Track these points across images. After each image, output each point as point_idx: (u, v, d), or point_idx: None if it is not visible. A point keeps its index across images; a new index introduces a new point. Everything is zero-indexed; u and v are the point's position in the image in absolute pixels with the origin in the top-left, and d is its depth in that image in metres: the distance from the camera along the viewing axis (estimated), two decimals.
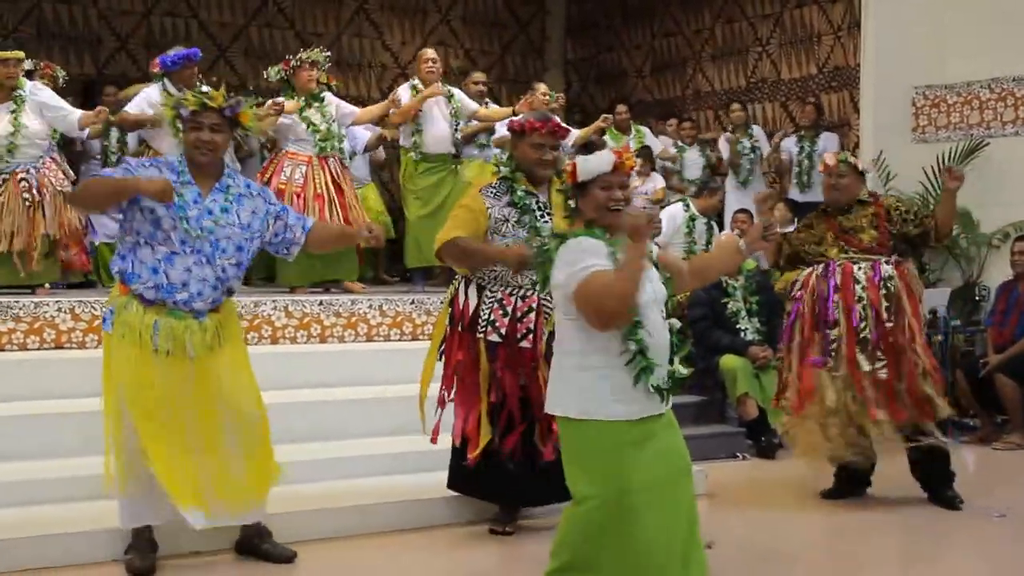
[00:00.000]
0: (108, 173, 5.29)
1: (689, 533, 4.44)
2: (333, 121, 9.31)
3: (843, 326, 6.54)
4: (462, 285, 5.97)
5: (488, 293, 5.87)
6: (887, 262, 6.63)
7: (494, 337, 5.81)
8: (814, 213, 7.09)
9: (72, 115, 8.49)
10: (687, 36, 14.39)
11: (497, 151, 10.14)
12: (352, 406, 7.14)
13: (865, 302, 6.53)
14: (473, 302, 5.89)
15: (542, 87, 10.58)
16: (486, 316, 5.84)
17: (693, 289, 7.51)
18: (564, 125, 5.88)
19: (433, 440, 6.12)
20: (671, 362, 4.43)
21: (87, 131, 9.42)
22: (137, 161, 5.41)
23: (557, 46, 15.83)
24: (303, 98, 9.24)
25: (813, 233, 6.87)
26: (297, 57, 9.37)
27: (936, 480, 6.86)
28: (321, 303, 8.24)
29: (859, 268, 6.60)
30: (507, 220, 5.79)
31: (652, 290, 4.36)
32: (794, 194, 11.64)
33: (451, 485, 6.19)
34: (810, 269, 6.78)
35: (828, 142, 11.68)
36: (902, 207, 6.87)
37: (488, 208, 5.81)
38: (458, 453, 6.03)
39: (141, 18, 13.07)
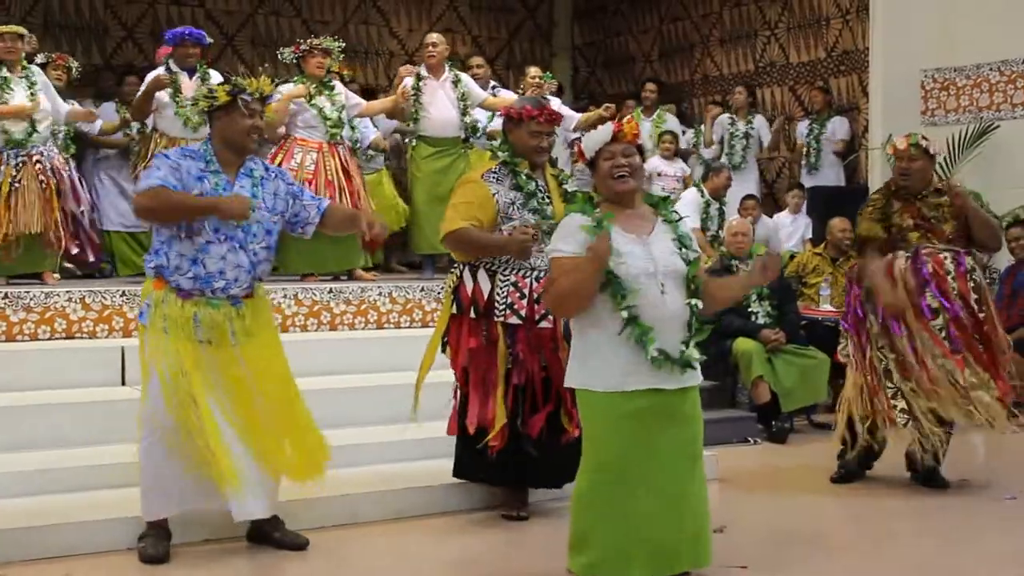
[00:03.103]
0: (158, 178, 5.15)
1: (692, 518, 4.47)
2: (343, 108, 9.31)
3: (942, 316, 6.47)
4: (466, 272, 5.94)
5: (501, 277, 5.86)
6: (967, 254, 6.58)
7: (514, 320, 5.81)
8: (882, 193, 6.82)
9: (63, 108, 8.59)
10: (695, 20, 14.36)
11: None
12: (362, 393, 7.14)
13: (957, 292, 6.48)
14: (485, 287, 5.87)
15: (532, 70, 10.58)
16: (503, 299, 5.83)
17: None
18: (559, 110, 5.87)
19: (450, 432, 6.11)
20: (687, 343, 4.45)
21: (98, 125, 9.48)
22: (177, 151, 5.39)
23: (564, 31, 15.81)
24: (313, 84, 9.23)
25: (892, 214, 6.65)
26: (307, 42, 9.36)
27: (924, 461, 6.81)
28: (331, 291, 8.24)
29: (946, 259, 6.53)
30: (513, 203, 5.81)
31: (652, 262, 4.41)
32: (804, 178, 11.65)
33: (457, 473, 6.18)
34: (891, 256, 6.58)
35: (838, 126, 11.68)
36: (974, 204, 6.74)
37: (494, 194, 5.81)
38: (466, 441, 5.99)
39: (147, 7, 13.09)
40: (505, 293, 5.84)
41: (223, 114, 5.33)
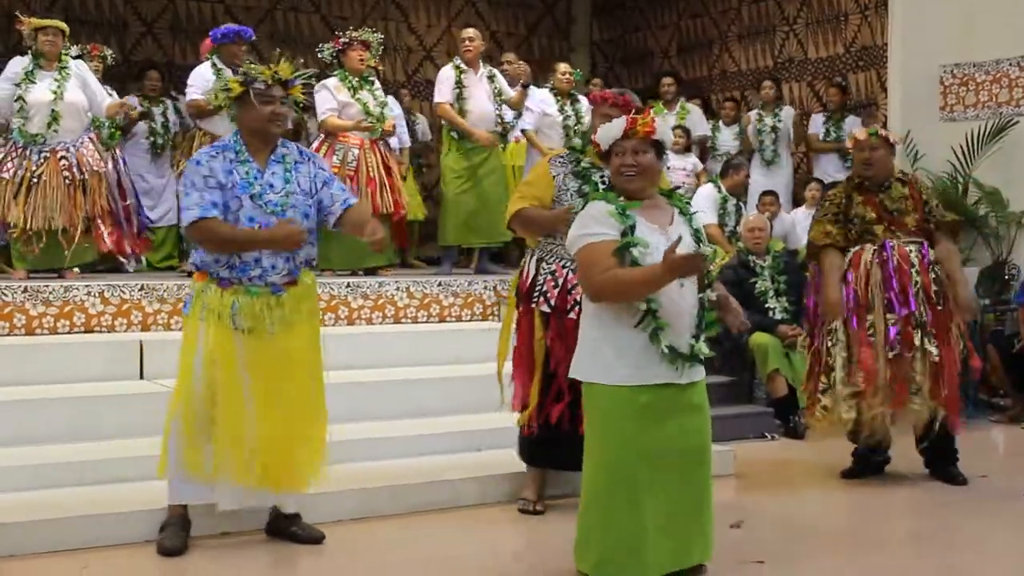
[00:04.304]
0: (197, 205, 5.14)
1: (693, 515, 4.46)
2: (384, 104, 9.32)
3: (903, 310, 6.52)
4: (529, 258, 6.08)
5: (544, 265, 5.95)
6: (931, 245, 6.62)
7: (545, 308, 5.91)
8: (843, 187, 6.93)
9: (104, 101, 8.61)
10: (713, 16, 14.32)
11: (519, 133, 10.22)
12: (379, 388, 7.17)
13: (920, 286, 6.50)
14: (531, 275, 6.00)
15: (562, 66, 10.60)
16: (540, 287, 5.93)
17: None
18: (640, 104, 5.84)
19: (513, 408, 6.17)
20: (696, 338, 4.45)
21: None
22: (205, 154, 5.34)
23: (583, 27, 15.79)
24: (355, 79, 9.27)
25: (854, 207, 6.72)
26: (347, 34, 9.38)
27: (940, 456, 6.85)
28: (348, 285, 8.27)
29: (911, 252, 6.57)
30: (568, 189, 5.86)
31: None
32: (824, 175, 11.60)
33: (521, 454, 6.24)
34: (857, 249, 6.66)
35: (851, 125, 11.62)
36: (929, 201, 6.76)
37: (554, 175, 5.90)
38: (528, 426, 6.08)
39: (167, 3, 13.10)
40: (543, 281, 5.92)
41: (242, 105, 5.36)
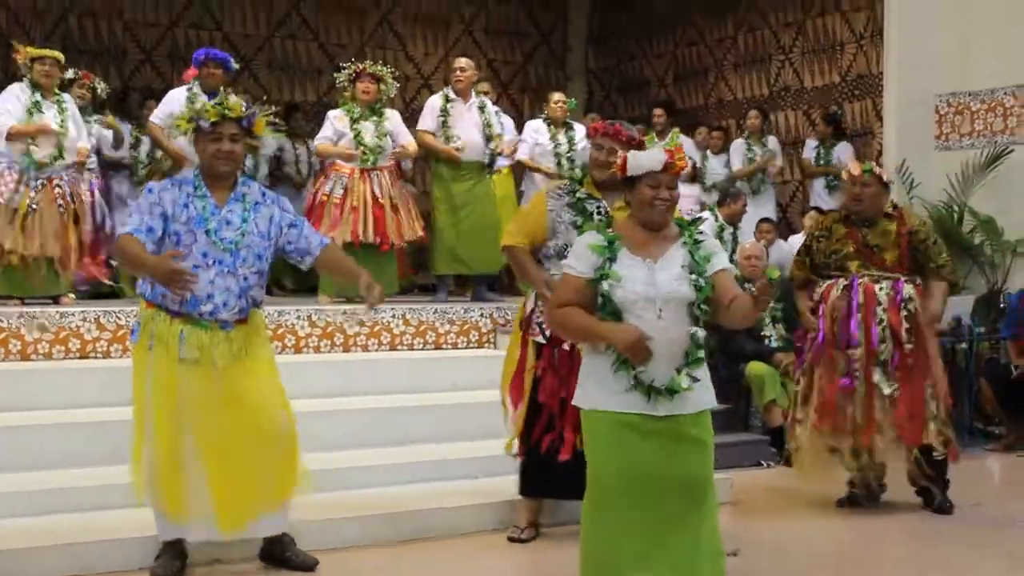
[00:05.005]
0: (131, 225, 5.17)
1: (690, 548, 4.40)
2: (385, 135, 9.36)
3: (863, 347, 6.55)
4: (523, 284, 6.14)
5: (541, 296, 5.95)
6: (908, 281, 6.62)
7: (540, 339, 5.94)
8: (832, 217, 7.03)
9: (83, 138, 8.62)
10: (709, 45, 14.37)
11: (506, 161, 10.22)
12: (375, 415, 7.16)
13: (885, 323, 6.53)
14: (529, 304, 6.05)
15: (556, 95, 10.64)
16: (537, 318, 5.96)
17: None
18: (633, 134, 5.84)
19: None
20: (679, 371, 4.39)
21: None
22: (159, 185, 5.36)
23: (579, 55, 15.84)
24: (358, 109, 9.33)
25: (832, 241, 6.81)
26: (355, 66, 9.45)
27: (931, 484, 6.85)
28: (344, 312, 8.27)
29: (880, 288, 6.60)
30: (563, 222, 5.86)
31: (653, 286, 4.35)
32: (820, 201, 11.63)
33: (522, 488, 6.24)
34: (830, 282, 6.75)
35: (842, 152, 11.65)
36: (923, 238, 6.74)
37: (550, 209, 5.91)
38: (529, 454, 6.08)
39: (166, 30, 13.15)
40: (540, 313, 5.93)
41: (195, 140, 5.36)
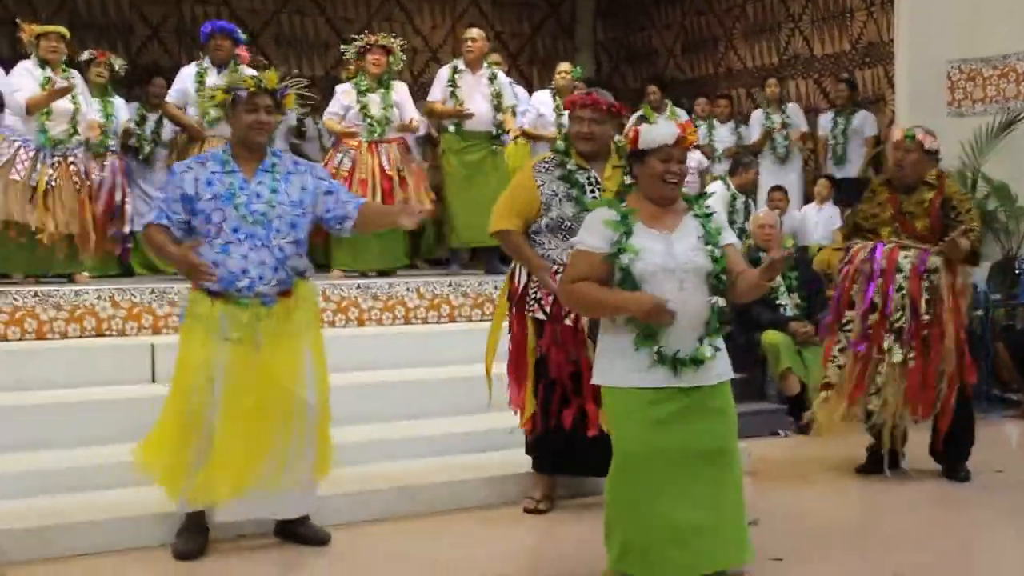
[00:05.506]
0: (156, 212, 5.33)
1: (716, 518, 4.41)
2: (391, 107, 9.33)
3: (878, 312, 6.53)
4: (517, 264, 6.02)
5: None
6: (937, 253, 6.56)
7: (540, 315, 5.88)
8: (880, 180, 7.01)
9: (86, 116, 8.59)
10: (718, 14, 14.31)
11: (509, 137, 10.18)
12: (390, 389, 7.15)
13: (904, 291, 6.49)
14: (522, 282, 5.97)
15: (563, 66, 10.60)
16: (533, 294, 5.90)
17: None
18: (611, 101, 5.83)
19: (513, 409, 6.18)
20: (701, 340, 4.40)
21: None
22: (181, 166, 5.38)
23: (587, 26, 15.78)
24: (369, 82, 9.31)
25: (874, 204, 6.80)
26: (366, 38, 9.43)
27: (949, 450, 6.83)
28: (359, 287, 8.25)
29: (905, 256, 6.53)
30: (556, 194, 5.81)
31: (672, 258, 4.36)
32: (832, 170, 11.60)
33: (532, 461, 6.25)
34: (859, 245, 6.73)
35: (863, 120, 11.62)
36: (958, 206, 6.65)
37: (539, 185, 5.84)
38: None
39: (172, 6, 13.14)
40: (536, 289, 5.89)
41: (229, 112, 5.36)
